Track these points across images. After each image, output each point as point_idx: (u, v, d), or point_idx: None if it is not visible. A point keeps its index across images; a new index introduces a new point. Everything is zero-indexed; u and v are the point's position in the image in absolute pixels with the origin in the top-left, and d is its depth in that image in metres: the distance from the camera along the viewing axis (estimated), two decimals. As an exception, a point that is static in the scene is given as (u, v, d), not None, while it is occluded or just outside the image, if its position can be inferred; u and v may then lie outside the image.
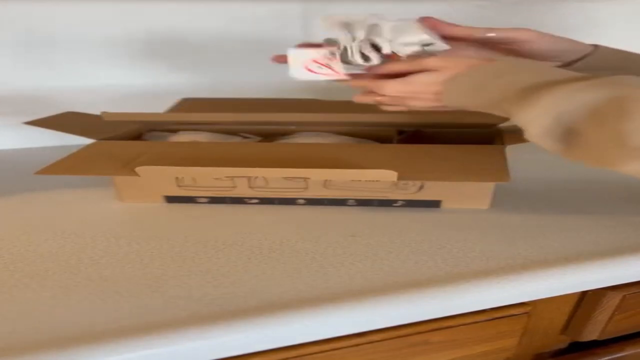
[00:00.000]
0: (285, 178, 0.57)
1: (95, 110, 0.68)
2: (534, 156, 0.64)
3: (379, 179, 0.54)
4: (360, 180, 0.57)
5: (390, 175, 0.51)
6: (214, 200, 0.60)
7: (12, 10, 0.73)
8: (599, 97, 0.38)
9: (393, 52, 0.50)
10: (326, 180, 0.57)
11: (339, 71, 0.52)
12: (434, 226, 0.54)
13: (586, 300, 0.54)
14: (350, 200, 0.59)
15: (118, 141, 0.65)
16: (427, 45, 0.51)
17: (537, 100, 0.41)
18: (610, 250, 0.49)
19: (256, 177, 0.57)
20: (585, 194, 0.62)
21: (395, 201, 0.59)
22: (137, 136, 0.71)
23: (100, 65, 0.80)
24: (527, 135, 0.43)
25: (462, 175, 0.54)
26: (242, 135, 0.72)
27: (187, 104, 0.78)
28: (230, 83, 0.86)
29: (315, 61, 0.53)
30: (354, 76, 0.54)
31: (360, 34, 0.50)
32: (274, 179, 0.57)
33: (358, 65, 0.52)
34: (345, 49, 0.51)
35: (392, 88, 0.51)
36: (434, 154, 0.58)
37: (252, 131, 0.72)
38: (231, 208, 0.59)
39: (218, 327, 0.38)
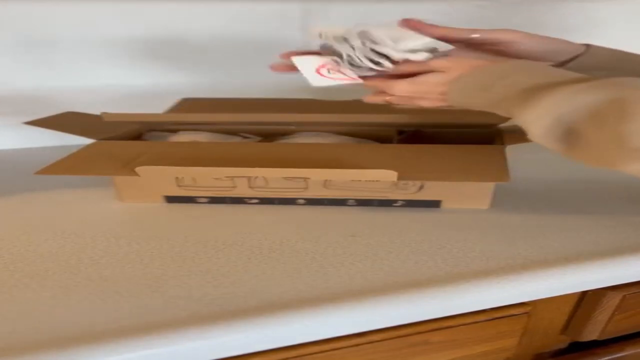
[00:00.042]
0: (285, 178, 0.57)
1: (95, 110, 0.68)
2: (534, 156, 0.64)
3: (379, 179, 0.54)
4: (360, 180, 0.57)
5: (390, 175, 0.51)
6: (214, 200, 0.60)
7: (12, 10, 0.73)
8: (600, 99, 0.39)
9: (404, 59, 0.51)
10: (326, 180, 0.57)
11: (351, 75, 0.53)
12: (434, 226, 0.54)
13: (586, 300, 0.54)
14: (350, 200, 0.59)
15: (118, 141, 0.65)
16: (432, 49, 0.52)
17: (539, 101, 0.41)
18: (610, 250, 0.49)
19: (256, 177, 0.57)
20: (585, 194, 0.62)
21: (395, 201, 0.59)
22: (137, 136, 0.71)
23: (100, 65, 0.80)
24: (529, 135, 0.44)
25: (462, 175, 0.54)
26: (242, 135, 0.72)
27: (187, 104, 0.78)
28: (230, 83, 0.86)
29: (323, 66, 0.53)
30: (365, 78, 0.55)
31: (357, 42, 0.51)
32: (274, 179, 0.57)
33: (370, 69, 0.52)
34: (349, 56, 0.52)
35: (400, 88, 0.52)
36: (434, 154, 0.58)
37: (252, 131, 0.72)
38: (231, 208, 0.59)
39: (218, 327, 0.38)
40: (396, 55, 0.51)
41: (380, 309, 0.42)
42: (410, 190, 0.57)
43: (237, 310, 0.40)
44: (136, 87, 0.83)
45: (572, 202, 0.60)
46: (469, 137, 0.65)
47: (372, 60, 0.52)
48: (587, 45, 0.53)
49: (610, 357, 0.60)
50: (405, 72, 0.52)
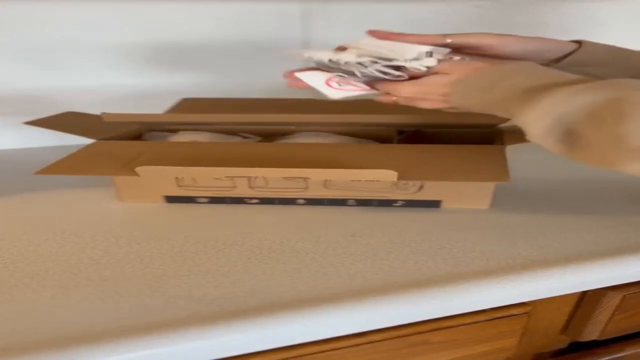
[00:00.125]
0: (285, 178, 0.57)
1: (95, 110, 0.68)
2: (534, 156, 0.64)
3: (379, 179, 0.54)
4: (360, 180, 0.57)
5: (390, 175, 0.51)
6: (214, 200, 0.60)
7: (12, 11, 0.73)
8: (598, 99, 0.39)
9: (415, 68, 0.52)
10: (326, 180, 0.57)
11: (363, 87, 0.55)
12: (434, 226, 0.54)
13: (586, 300, 0.54)
14: (350, 200, 0.59)
15: (118, 141, 0.65)
16: (429, 53, 0.52)
17: (538, 102, 0.42)
18: (610, 250, 0.49)
19: (256, 177, 0.57)
20: (585, 194, 0.62)
21: (395, 201, 0.59)
22: (137, 136, 0.71)
23: (100, 65, 0.80)
24: (528, 136, 0.44)
25: (462, 175, 0.54)
26: (242, 135, 0.72)
27: (187, 104, 0.78)
28: (230, 83, 0.86)
29: (331, 80, 0.55)
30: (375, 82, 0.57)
31: (366, 60, 0.53)
32: (274, 179, 0.57)
33: (386, 74, 0.54)
34: (363, 73, 0.54)
35: (404, 89, 0.53)
36: (434, 154, 0.58)
37: (252, 131, 0.72)
38: (231, 208, 0.59)
39: (218, 327, 0.38)
40: (408, 66, 0.52)
41: (380, 309, 0.42)
42: (410, 190, 0.57)
43: (237, 310, 0.40)
44: (136, 87, 0.83)
45: (572, 202, 0.60)
46: (469, 137, 0.65)
47: (383, 72, 0.53)
48: (580, 42, 0.53)
49: (610, 357, 0.60)
50: (412, 75, 0.53)
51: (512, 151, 0.58)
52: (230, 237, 0.52)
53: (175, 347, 0.37)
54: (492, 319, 0.48)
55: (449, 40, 0.52)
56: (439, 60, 0.52)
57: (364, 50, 0.53)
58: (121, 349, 0.36)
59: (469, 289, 0.44)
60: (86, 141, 0.64)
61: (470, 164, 0.55)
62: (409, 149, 0.60)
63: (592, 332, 0.57)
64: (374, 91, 0.55)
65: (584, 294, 0.54)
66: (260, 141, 0.70)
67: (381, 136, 0.68)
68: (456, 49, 0.54)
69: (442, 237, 0.52)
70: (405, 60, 0.51)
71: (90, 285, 0.44)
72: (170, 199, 0.60)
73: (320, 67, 0.56)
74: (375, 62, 0.53)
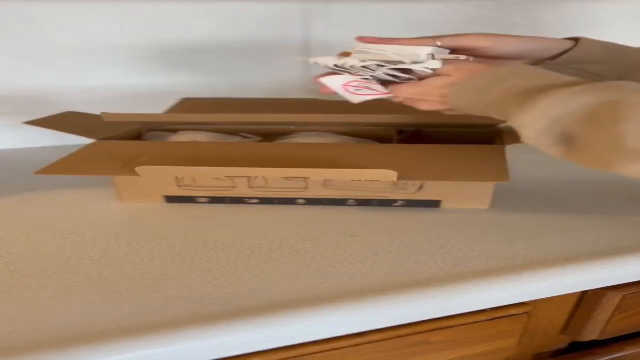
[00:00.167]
0: (285, 178, 0.57)
1: (95, 110, 0.68)
2: (534, 156, 0.64)
3: (379, 179, 0.54)
4: (360, 180, 0.57)
5: (390, 175, 0.51)
6: (214, 200, 0.60)
7: (12, 10, 0.73)
8: (594, 101, 0.39)
9: (420, 71, 0.53)
10: (326, 180, 0.57)
11: (382, 91, 0.55)
12: (434, 226, 0.54)
13: (586, 300, 0.54)
14: (350, 200, 0.59)
15: (118, 141, 0.65)
16: (431, 54, 0.52)
17: (535, 104, 0.42)
18: (610, 250, 0.49)
19: (256, 177, 0.57)
20: (585, 194, 0.62)
21: (395, 201, 0.59)
22: (137, 136, 0.71)
23: (100, 65, 0.80)
24: (522, 137, 0.44)
25: (462, 175, 0.54)
26: (242, 135, 0.72)
27: (187, 104, 0.78)
28: (230, 83, 0.86)
29: (349, 84, 0.55)
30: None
31: (373, 64, 0.53)
32: (274, 179, 0.57)
33: (396, 77, 0.54)
34: (372, 77, 0.54)
35: (405, 91, 0.54)
36: (434, 154, 0.58)
37: (252, 131, 0.72)
38: (231, 208, 0.59)
39: (218, 327, 0.38)
40: (414, 69, 0.52)
41: (380, 309, 0.42)
42: (410, 190, 0.57)
43: (237, 310, 0.40)
44: (136, 87, 0.83)
45: (572, 202, 0.60)
46: (469, 137, 0.65)
47: (393, 76, 0.54)
48: (577, 40, 0.53)
49: (610, 357, 0.60)
50: (419, 77, 0.53)
51: (512, 151, 0.58)
52: (230, 237, 0.52)
53: (175, 347, 0.37)
54: (492, 319, 0.48)
55: (439, 44, 0.52)
56: (444, 62, 0.52)
57: (368, 54, 0.53)
58: (121, 349, 0.36)
59: (469, 289, 0.44)
60: (86, 141, 0.64)
61: (470, 164, 0.55)
62: (409, 149, 0.60)
63: (592, 332, 0.57)
64: (391, 95, 0.55)
65: (584, 294, 0.54)
66: (260, 141, 0.70)
67: (381, 136, 0.68)
68: (458, 51, 0.54)
69: (442, 237, 0.52)
70: (411, 63, 0.51)
71: (90, 285, 0.44)
72: (170, 199, 0.60)
73: (338, 71, 0.56)
74: (382, 66, 0.53)
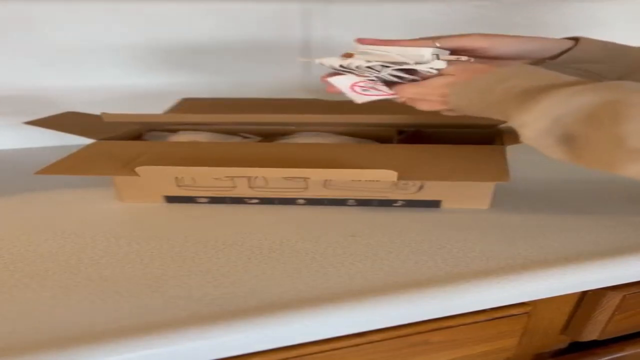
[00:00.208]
0: (285, 178, 0.57)
1: (95, 110, 0.68)
2: (534, 156, 0.64)
3: (379, 179, 0.54)
4: (360, 180, 0.57)
5: (390, 175, 0.51)
6: (214, 200, 0.60)
7: (12, 10, 0.73)
8: (595, 101, 0.39)
9: (425, 72, 0.53)
10: (326, 180, 0.57)
11: (387, 91, 0.55)
12: (434, 226, 0.54)
13: (586, 300, 0.54)
14: (350, 200, 0.59)
15: (118, 141, 0.65)
16: (436, 54, 0.52)
17: (536, 104, 0.42)
18: (610, 250, 0.49)
19: (256, 177, 0.57)
20: (585, 194, 0.62)
21: (395, 201, 0.59)
22: (137, 136, 0.71)
23: (100, 65, 0.80)
24: (522, 137, 0.44)
25: (462, 175, 0.54)
26: (242, 135, 0.72)
27: (187, 104, 0.78)
28: (230, 83, 0.86)
29: (355, 85, 0.55)
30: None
31: (377, 65, 0.53)
32: (274, 179, 0.57)
33: (401, 78, 0.54)
34: (377, 77, 0.54)
35: (407, 90, 0.54)
36: (434, 154, 0.58)
37: (252, 131, 0.72)
38: (231, 208, 0.59)
39: (218, 327, 0.38)
40: (419, 69, 0.52)
41: (380, 309, 0.42)
42: (410, 190, 0.57)
43: (237, 310, 0.40)
44: (136, 87, 0.83)
45: (572, 202, 0.60)
46: (468, 137, 0.65)
47: (398, 77, 0.54)
48: (577, 39, 0.53)
49: (610, 357, 0.60)
50: (423, 78, 0.53)
51: (512, 151, 0.58)
52: (230, 237, 0.52)
53: (175, 347, 0.37)
54: (492, 319, 0.48)
55: (438, 45, 0.52)
56: (448, 62, 0.52)
57: (372, 55, 0.53)
58: (121, 349, 0.36)
59: (469, 289, 0.44)
60: (86, 141, 0.64)
61: (470, 164, 0.55)
62: (409, 149, 0.60)
63: (592, 332, 0.57)
64: (397, 96, 0.55)
65: (584, 294, 0.54)
66: (260, 141, 0.70)
67: (381, 136, 0.68)
68: (457, 51, 0.54)
69: (442, 237, 0.52)
70: (415, 64, 0.51)
71: (90, 285, 0.44)
72: (170, 199, 0.60)
73: (344, 72, 0.56)
74: (386, 67, 0.53)
